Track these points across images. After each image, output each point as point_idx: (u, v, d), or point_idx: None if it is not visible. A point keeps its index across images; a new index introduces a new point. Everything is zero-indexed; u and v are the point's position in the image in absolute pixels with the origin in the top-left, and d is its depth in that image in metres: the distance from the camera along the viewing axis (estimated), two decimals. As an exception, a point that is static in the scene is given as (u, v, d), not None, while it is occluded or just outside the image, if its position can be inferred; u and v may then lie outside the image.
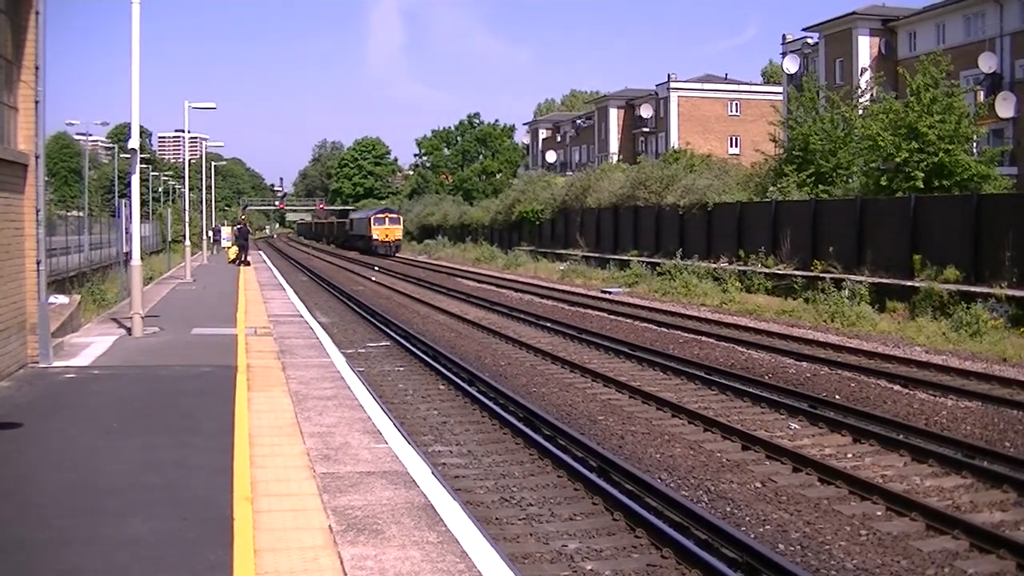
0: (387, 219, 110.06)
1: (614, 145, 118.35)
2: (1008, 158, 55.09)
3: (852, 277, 40.07)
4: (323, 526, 10.02)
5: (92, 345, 23.59)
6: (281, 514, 10.37)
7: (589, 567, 11.74)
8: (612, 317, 38.53)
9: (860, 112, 52.56)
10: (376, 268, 77.89)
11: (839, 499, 14.52)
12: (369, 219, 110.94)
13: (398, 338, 32.13)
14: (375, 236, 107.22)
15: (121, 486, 11.39)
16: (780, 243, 47.81)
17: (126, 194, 42.66)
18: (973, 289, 34.93)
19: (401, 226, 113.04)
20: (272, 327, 28.27)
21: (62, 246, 45.50)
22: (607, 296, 48.38)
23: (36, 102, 20.01)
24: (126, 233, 35.29)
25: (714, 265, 51.06)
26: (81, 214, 70.02)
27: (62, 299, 29.03)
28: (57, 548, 9.24)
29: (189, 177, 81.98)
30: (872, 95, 56.14)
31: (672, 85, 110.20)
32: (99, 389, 18.29)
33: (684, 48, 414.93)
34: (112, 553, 9.15)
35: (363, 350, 30.17)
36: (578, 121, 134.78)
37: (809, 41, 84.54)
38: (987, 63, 62.96)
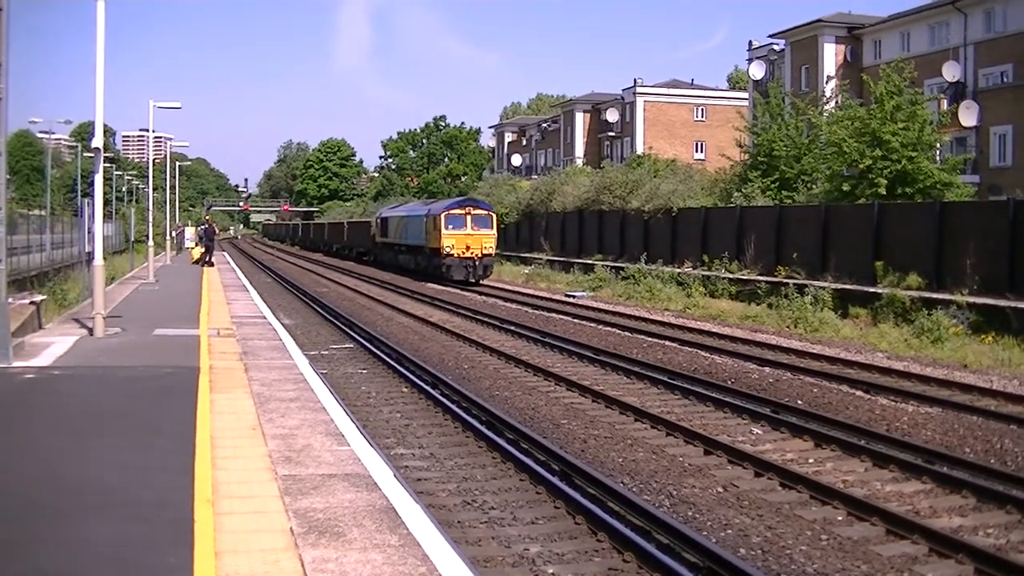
0: (469, 217, 61.03)
1: (580, 149, 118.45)
2: (971, 166, 55.52)
3: (815, 283, 40.23)
4: (284, 528, 9.99)
5: (53, 345, 23.45)
6: (242, 516, 10.34)
7: (551, 571, 11.75)
8: (576, 321, 38.53)
9: (825, 118, 52.83)
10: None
11: (800, 504, 14.58)
12: (437, 218, 61.36)
13: (361, 340, 32.07)
14: (447, 247, 59.70)
15: (82, 488, 11.34)
16: (744, 248, 48.03)
17: (89, 193, 42.44)
18: (935, 296, 35.16)
19: (495, 230, 63.25)
20: (235, 328, 28.17)
21: (23, 245, 45.22)
22: (571, 300, 48.34)
23: (-1, 99, 19.89)
24: (89, 232, 35.11)
25: (678, 270, 51.19)
26: (43, 213, 69.73)
27: (37, 297, 28.84)
28: (18, 549, 9.20)
29: (153, 177, 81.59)
30: (837, 102, 56.49)
31: (638, 90, 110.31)
32: (60, 390, 18.19)
33: (651, 53, 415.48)
34: (74, 555, 9.12)
35: (326, 352, 30.11)
36: (544, 125, 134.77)
37: (775, 48, 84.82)
38: (951, 72, 63.35)
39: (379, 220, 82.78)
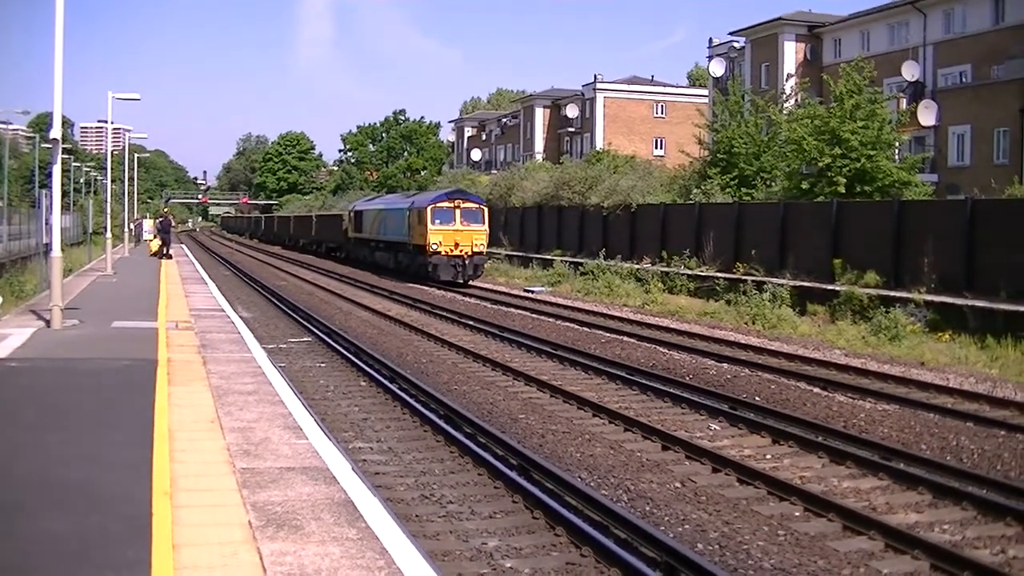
0: (458, 211, 54.63)
1: (539, 144, 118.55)
2: (929, 165, 55.91)
3: (774, 280, 40.41)
4: (243, 521, 9.97)
5: (9, 337, 23.27)
6: (200, 509, 10.30)
7: (508, 565, 11.75)
8: (535, 316, 38.54)
9: (785, 116, 53.07)
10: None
11: (758, 499, 14.63)
12: (422, 211, 54.93)
13: (320, 334, 31.99)
14: (433, 244, 53.47)
15: (38, 481, 11.28)
16: (703, 245, 48.16)
17: (47, 185, 42.24)
18: (893, 294, 35.37)
19: (486, 225, 56.24)
20: (193, 321, 28.07)
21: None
22: (530, 295, 48.33)
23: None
24: (46, 224, 34.94)
25: (637, 266, 51.29)
26: (0, 204, 69.18)
27: None
28: (-29, 542, 9.15)
29: (111, 168, 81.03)
30: (797, 100, 56.76)
31: (598, 86, 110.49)
32: (16, 382, 18.07)
33: (611, 49, 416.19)
34: (29, 549, 9.06)
35: (284, 346, 30.02)
36: (504, 120, 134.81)
37: (736, 45, 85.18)
38: (910, 71, 63.82)
39: (353, 214, 75.54)
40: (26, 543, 9.19)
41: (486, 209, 56.85)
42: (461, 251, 53.45)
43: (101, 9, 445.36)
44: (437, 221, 53.53)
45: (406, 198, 64.73)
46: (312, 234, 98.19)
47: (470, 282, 53.78)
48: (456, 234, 53.46)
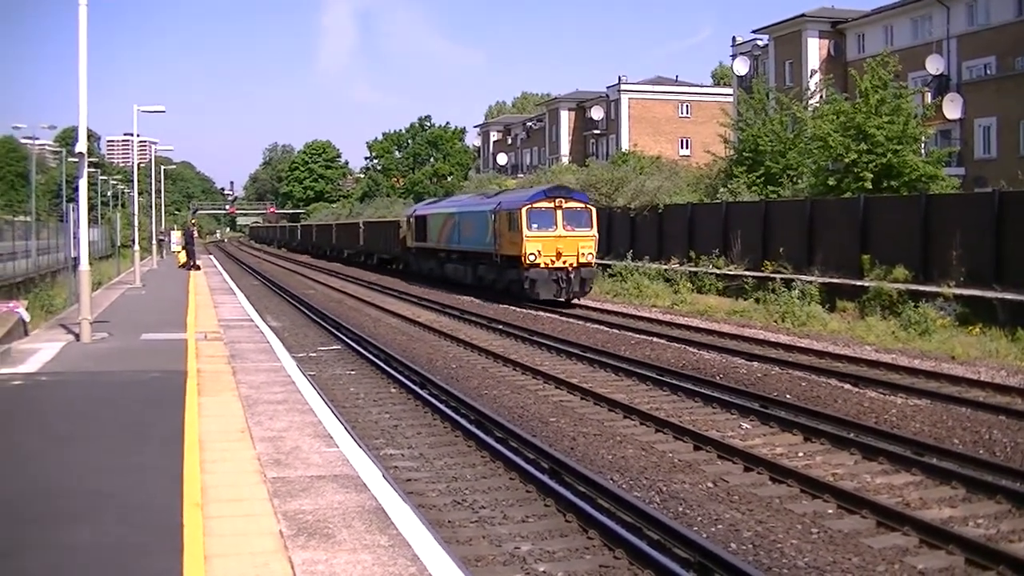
0: (559, 212, 44.39)
1: (565, 147, 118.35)
2: (955, 159, 55.62)
3: (802, 277, 40.24)
4: (274, 531, 9.97)
5: (40, 351, 23.37)
6: (232, 519, 10.32)
7: (542, 569, 11.73)
8: (563, 319, 38.46)
9: (810, 113, 52.94)
10: None
11: (790, 498, 14.57)
12: (513, 214, 45.21)
13: (349, 342, 32.00)
14: (531, 254, 43.55)
15: (69, 493, 11.33)
16: (731, 244, 47.99)
17: (74, 198, 42.39)
18: (922, 288, 35.17)
19: (595, 229, 45.41)
20: (222, 332, 28.11)
21: (8, 251, 45.15)
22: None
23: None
24: (74, 238, 35.02)
25: (665, 266, 51.12)
26: (28, 219, 69.51)
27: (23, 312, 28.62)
28: (5, 555, 9.18)
29: (138, 181, 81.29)
30: (822, 96, 56.62)
31: (623, 87, 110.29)
32: (47, 396, 18.15)
33: (635, 50, 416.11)
34: (62, 560, 9.11)
35: (314, 354, 30.04)
36: (529, 123, 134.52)
37: (759, 43, 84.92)
38: (934, 65, 63.47)
39: (414, 219, 64.24)
40: (57, 554, 9.24)
41: (594, 210, 46.49)
42: (565, 262, 43.81)
43: (125, 22, 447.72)
44: (534, 225, 43.89)
45: (487, 198, 54.60)
46: (360, 244, 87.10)
47: (577, 300, 44.89)
48: (558, 241, 43.80)
